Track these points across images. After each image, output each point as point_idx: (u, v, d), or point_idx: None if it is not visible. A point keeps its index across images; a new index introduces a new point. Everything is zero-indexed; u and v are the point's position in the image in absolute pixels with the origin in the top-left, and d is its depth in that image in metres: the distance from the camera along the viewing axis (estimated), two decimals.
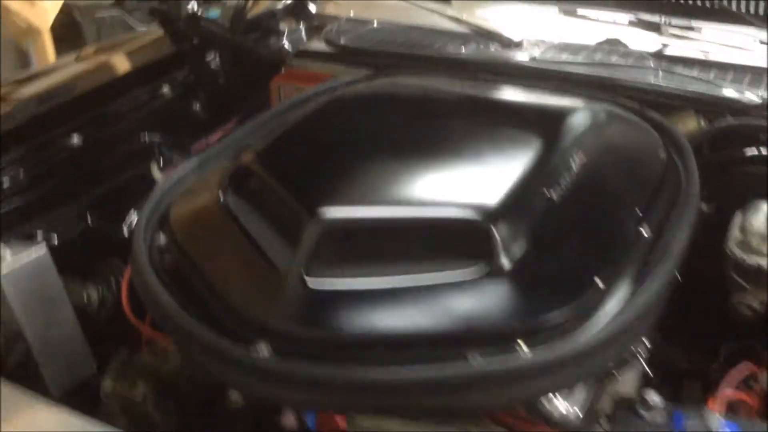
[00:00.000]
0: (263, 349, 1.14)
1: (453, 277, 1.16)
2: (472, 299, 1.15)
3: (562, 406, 1.26)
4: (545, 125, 1.43)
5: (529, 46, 2.15)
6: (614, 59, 2.03)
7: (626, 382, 1.42)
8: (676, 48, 2.11)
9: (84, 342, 1.67)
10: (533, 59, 2.06)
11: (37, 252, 1.59)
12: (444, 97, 1.61)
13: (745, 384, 1.33)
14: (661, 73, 1.94)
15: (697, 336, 1.68)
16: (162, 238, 1.41)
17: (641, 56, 2.03)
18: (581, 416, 1.24)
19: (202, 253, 1.33)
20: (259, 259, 1.24)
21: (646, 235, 1.34)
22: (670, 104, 1.83)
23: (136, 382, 1.46)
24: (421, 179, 1.29)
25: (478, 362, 1.09)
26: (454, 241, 1.19)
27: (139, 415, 1.44)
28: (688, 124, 1.82)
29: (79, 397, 1.61)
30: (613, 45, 2.16)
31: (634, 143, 1.57)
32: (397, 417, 1.22)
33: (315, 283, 1.16)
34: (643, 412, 1.15)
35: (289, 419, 1.36)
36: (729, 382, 1.27)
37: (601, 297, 1.19)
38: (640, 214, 1.35)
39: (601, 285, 1.19)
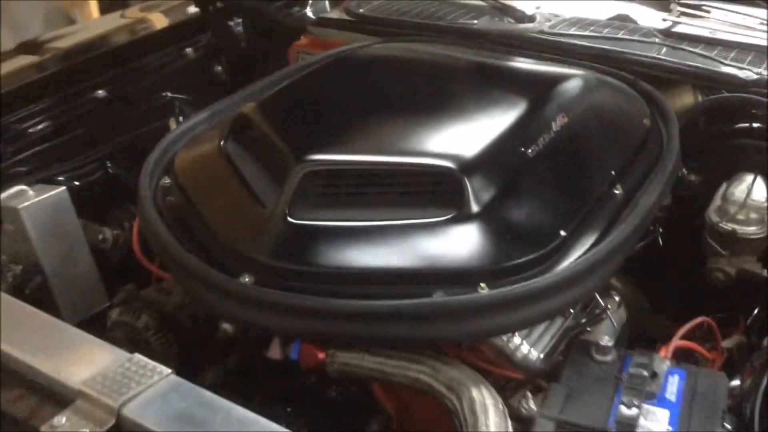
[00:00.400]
0: (246, 279, 1.24)
1: (424, 218, 1.24)
2: (440, 241, 1.23)
3: (525, 348, 1.34)
4: (530, 89, 1.50)
5: (541, 20, 2.20)
6: (621, 34, 2.07)
7: (595, 335, 1.51)
8: (685, 26, 2.15)
9: (98, 278, 1.79)
10: (542, 32, 2.11)
11: (57, 192, 1.72)
12: (438, 61, 1.69)
13: (705, 340, 1.39)
14: (665, 48, 1.98)
15: (679, 303, 1.74)
16: (167, 181, 1.52)
17: (648, 32, 2.07)
18: (542, 360, 1.32)
19: (201, 193, 1.44)
20: (250, 199, 1.34)
21: (617, 193, 1.40)
22: (669, 78, 1.88)
23: (141, 314, 1.57)
24: (405, 133, 1.38)
25: (439, 298, 1.18)
26: (429, 187, 1.27)
27: (140, 343, 1.55)
28: (684, 98, 1.87)
29: (90, 327, 1.74)
30: (622, 21, 2.20)
31: (619, 110, 1.63)
32: (369, 353, 1.31)
33: (296, 220, 1.26)
34: (596, 354, 1.22)
35: (275, 351, 1.45)
36: (680, 333, 1.33)
37: (563, 246, 1.26)
38: (614, 174, 1.42)
39: (563, 234, 1.26)
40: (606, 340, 1.21)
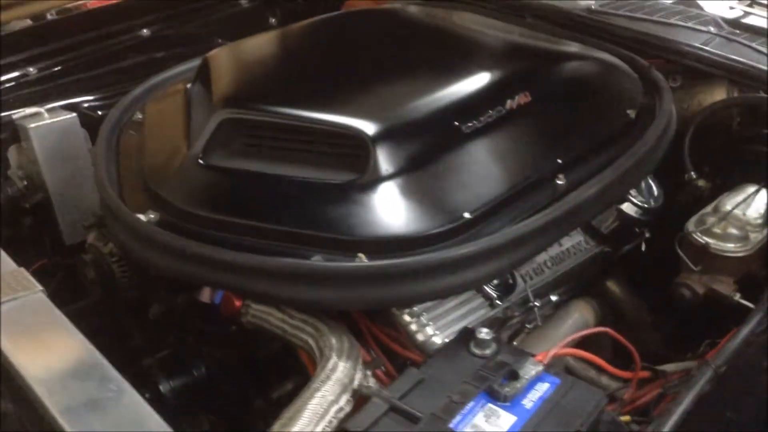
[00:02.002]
0: (151, 216, 1.27)
1: (323, 179, 1.20)
2: (333, 204, 1.20)
3: (429, 331, 1.28)
4: (494, 63, 1.40)
5: None
6: (675, 19, 1.88)
7: (550, 341, 1.41)
8: (757, 18, 1.92)
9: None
10: (589, 10, 1.96)
11: (68, 118, 1.83)
12: (416, 25, 1.61)
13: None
14: (717, 39, 1.78)
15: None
16: (139, 116, 1.58)
17: (707, 20, 1.87)
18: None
19: (154, 131, 1.48)
20: (184, 140, 1.37)
21: (560, 183, 1.29)
22: (705, 71, 1.69)
23: (108, 240, 1.65)
24: (332, 91, 1.34)
25: (315, 261, 1.15)
26: (337, 149, 1.23)
27: (104, 268, 1.63)
28: (715, 94, 1.68)
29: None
30: (687, 6, 2.00)
31: (600, 99, 1.48)
32: (278, 309, 1.30)
33: (207, 164, 1.26)
34: (473, 346, 1.13)
35: (204, 295, 1.48)
36: (568, 340, 1.21)
37: (464, 228, 1.18)
38: (559, 164, 1.30)
39: (466, 216, 1.18)
40: (484, 333, 1.13)
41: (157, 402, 1.44)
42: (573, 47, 1.55)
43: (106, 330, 1.76)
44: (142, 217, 1.27)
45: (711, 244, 1.36)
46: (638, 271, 1.60)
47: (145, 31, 2.13)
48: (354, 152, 1.22)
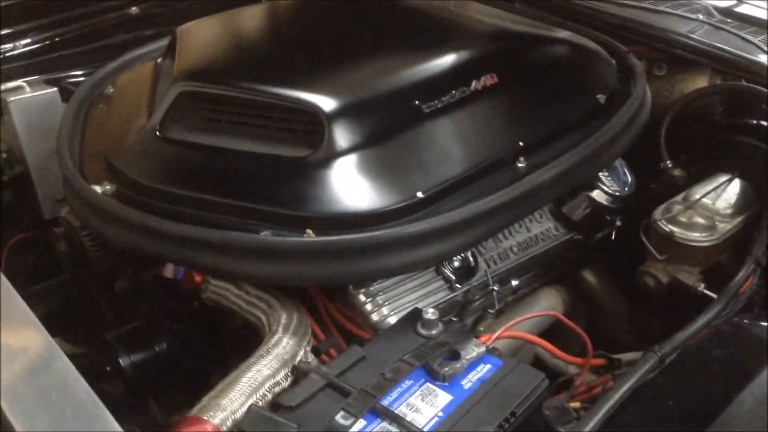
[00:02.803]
0: (107, 188, 1.27)
1: (276, 153, 1.19)
2: (285, 180, 1.19)
3: (385, 311, 1.27)
4: (460, 43, 1.38)
5: None
6: (664, 6, 1.85)
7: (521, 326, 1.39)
8: (751, 7, 1.87)
9: None
10: None
11: (49, 92, 1.83)
12: (388, 6, 1.58)
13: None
14: (705, 27, 1.75)
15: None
16: (110, 90, 1.58)
17: (698, 8, 1.83)
18: None
19: (119, 104, 1.48)
20: (146, 113, 1.36)
21: (520, 166, 1.27)
22: (688, 58, 1.66)
23: None
24: (291, 66, 1.32)
25: (264, 236, 1.14)
26: (291, 125, 1.22)
27: (75, 242, 1.64)
28: (698, 82, 1.64)
29: None
30: None
31: (569, 82, 1.45)
32: (235, 285, 1.30)
33: (163, 136, 1.26)
34: (419, 326, 1.12)
35: (168, 270, 1.48)
36: (513, 323, 1.19)
37: (415, 207, 1.17)
38: (521, 146, 1.28)
39: (419, 195, 1.17)
40: (431, 314, 1.11)
41: (117, 375, 1.45)
42: (546, 31, 1.52)
43: (78, 304, 1.78)
44: (97, 188, 1.27)
45: (676, 232, 1.33)
46: (610, 260, 1.57)
47: (134, 9, 2.13)
48: (309, 128, 1.21)
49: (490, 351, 1.07)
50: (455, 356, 1.05)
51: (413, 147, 1.23)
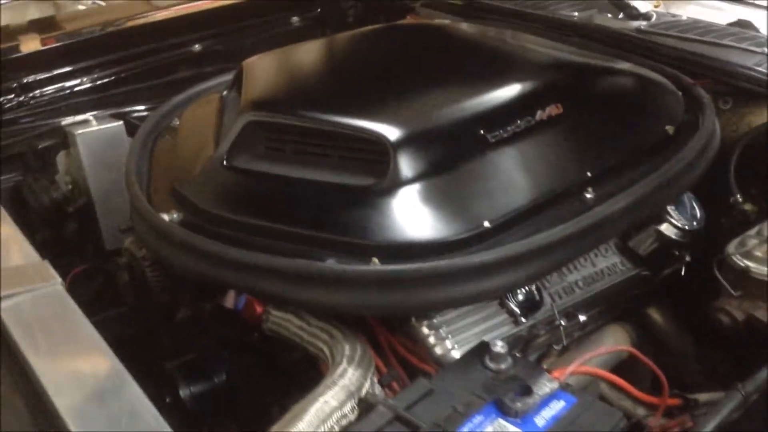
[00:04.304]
0: (174, 216, 1.28)
1: (342, 182, 1.19)
2: (351, 207, 1.18)
3: (448, 344, 1.24)
4: (525, 73, 1.37)
5: (657, 19, 2.01)
6: (727, 40, 1.82)
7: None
8: None
9: None
10: (639, 30, 1.91)
11: (115, 126, 1.89)
12: (454, 38, 1.59)
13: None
14: None
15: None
16: (176, 121, 1.60)
17: (761, 42, 1.80)
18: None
19: (187, 134, 1.50)
20: (213, 143, 1.38)
21: (588, 197, 1.24)
22: (757, 92, 1.62)
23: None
24: (359, 97, 1.32)
25: (328, 264, 1.13)
26: (360, 154, 1.22)
27: (137, 272, 1.65)
28: (765, 115, 1.60)
29: None
30: (742, 27, 1.93)
31: (636, 113, 1.42)
32: (296, 316, 1.29)
33: (231, 165, 1.27)
34: (487, 360, 1.09)
35: (228, 300, 1.48)
36: (585, 358, 1.15)
37: (482, 237, 1.15)
38: (589, 177, 1.26)
39: (486, 225, 1.15)
40: (499, 347, 1.08)
41: (176, 406, 1.44)
42: (611, 62, 1.51)
43: (137, 335, 1.80)
44: (165, 216, 1.28)
45: (751, 267, 1.28)
46: (679, 296, 1.53)
47: (197, 46, 2.19)
48: (374, 157, 1.21)
49: (564, 387, 1.04)
50: (527, 392, 1.02)
51: (479, 176, 1.22)
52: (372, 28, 1.77)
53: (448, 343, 1.24)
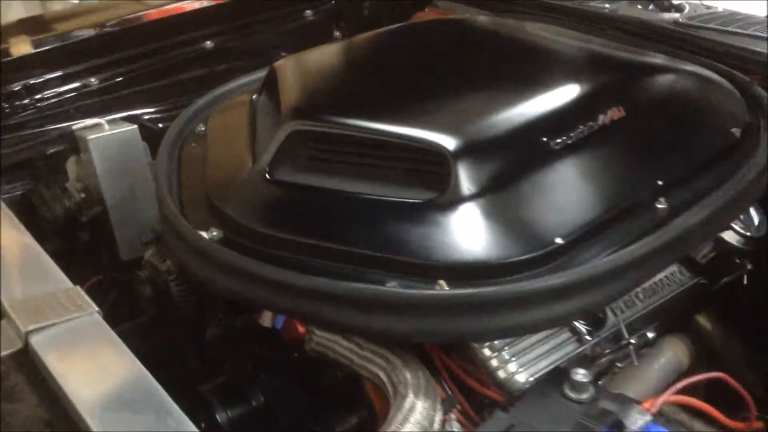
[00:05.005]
0: (214, 234, 1.19)
1: (400, 197, 1.11)
2: (410, 225, 1.09)
3: (512, 368, 1.16)
4: (583, 75, 1.29)
5: (689, 11, 1.93)
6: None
7: (646, 381, 1.29)
8: None
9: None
10: (676, 23, 1.83)
11: (129, 130, 1.78)
12: (498, 35, 1.50)
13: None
14: None
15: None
16: (201, 128, 1.50)
17: None
18: (527, 384, 1.14)
19: (217, 143, 1.40)
20: (248, 153, 1.28)
21: (660, 207, 1.16)
22: None
23: (167, 257, 1.58)
24: (409, 103, 1.23)
25: (390, 287, 1.04)
26: (415, 165, 1.13)
27: (160, 286, 1.56)
28: None
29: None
30: None
31: (701, 115, 1.35)
32: (344, 337, 1.21)
33: (274, 179, 1.18)
34: (567, 390, 1.01)
35: (265, 319, 1.39)
36: (678, 385, 1.07)
37: (555, 255, 1.07)
38: (660, 185, 1.18)
39: (558, 242, 1.07)
40: (581, 375, 1.00)
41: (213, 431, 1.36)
42: (665, 60, 1.42)
43: (161, 350, 1.70)
44: (204, 234, 1.18)
45: None
46: (737, 305, 1.46)
47: (208, 43, 2.07)
48: (433, 169, 1.12)
49: (655, 419, 0.97)
50: (619, 426, 0.94)
51: (545, 188, 1.14)
52: (404, 26, 1.67)
53: (512, 366, 1.16)
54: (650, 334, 1.29)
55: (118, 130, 1.76)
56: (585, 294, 1.03)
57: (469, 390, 1.19)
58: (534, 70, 1.32)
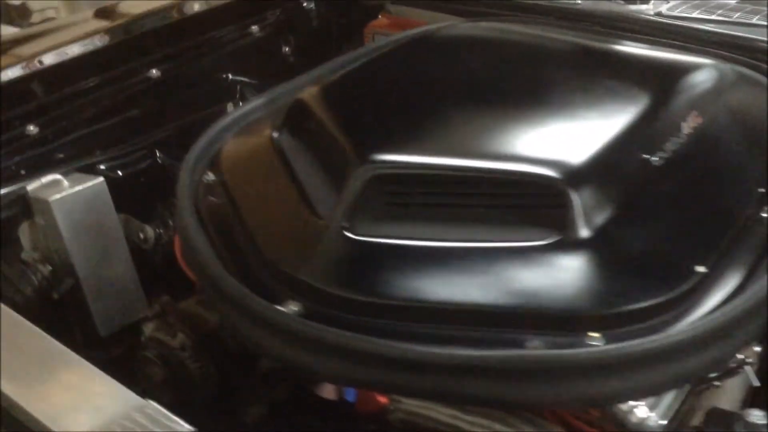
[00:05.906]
0: (292, 307, 1.00)
1: (518, 242, 0.97)
2: (538, 272, 0.96)
3: (642, 412, 1.05)
4: (651, 79, 1.20)
5: (657, 2, 1.89)
6: (756, 19, 1.74)
7: (727, 395, 1.21)
8: None
9: (137, 282, 1.58)
10: (660, 14, 1.80)
11: (95, 184, 1.53)
12: (534, 44, 1.39)
13: None
14: None
15: None
16: (210, 176, 1.29)
17: None
18: (664, 427, 1.03)
19: (247, 194, 1.21)
20: (303, 205, 1.10)
21: (765, 217, 1.10)
22: None
23: (177, 331, 1.35)
24: (495, 130, 1.10)
25: (535, 349, 0.91)
26: (524, 201, 1.00)
27: (175, 364, 1.34)
28: None
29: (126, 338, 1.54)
30: (756, 4, 1.86)
31: (764, 109, 1.30)
32: (442, 404, 1.06)
33: (356, 236, 1.00)
34: None
35: (328, 391, 1.21)
36: None
37: (700, 286, 0.97)
38: (762, 193, 1.11)
39: (701, 271, 0.97)
40: (756, 416, 0.92)
41: None
42: (714, 59, 1.36)
43: None
44: (281, 308, 0.99)
45: None
46: None
47: (154, 71, 1.82)
48: (545, 202, 0.99)
49: None
50: None
51: (662, 208, 1.04)
52: (421, 38, 1.50)
53: (641, 410, 1.05)
54: (757, 348, 1.22)
55: (82, 186, 1.51)
56: (744, 327, 0.94)
57: None
58: (606, 79, 1.22)
